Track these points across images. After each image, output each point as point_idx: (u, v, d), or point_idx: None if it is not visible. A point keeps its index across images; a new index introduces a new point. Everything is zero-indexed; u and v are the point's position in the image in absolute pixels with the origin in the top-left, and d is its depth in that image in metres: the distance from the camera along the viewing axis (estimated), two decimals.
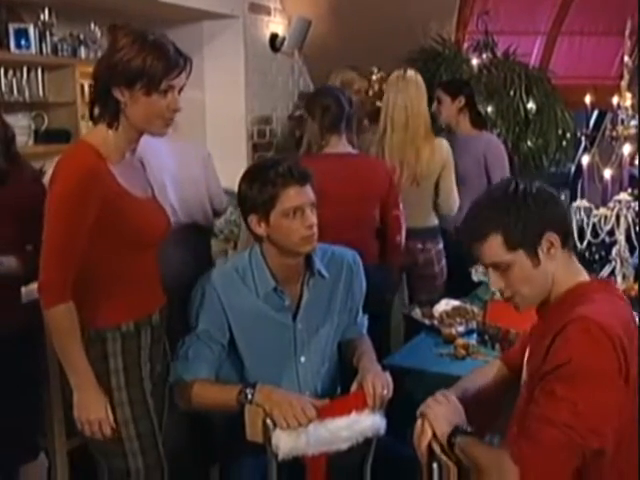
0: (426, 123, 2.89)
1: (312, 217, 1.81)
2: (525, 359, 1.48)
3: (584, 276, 1.44)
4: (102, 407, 1.60)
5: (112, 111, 1.59)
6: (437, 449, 1.39)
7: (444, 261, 3.02)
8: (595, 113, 3.91)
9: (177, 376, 1.80)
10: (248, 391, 1.68)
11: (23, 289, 2.10)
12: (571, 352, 1.24)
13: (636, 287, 2.68)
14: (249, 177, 1.84)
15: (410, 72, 2.91)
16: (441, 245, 3.01)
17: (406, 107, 2.85)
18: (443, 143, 2.94)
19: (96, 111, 1.62)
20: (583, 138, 4.09)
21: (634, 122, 3.47)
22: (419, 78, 2.91)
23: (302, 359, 1.90)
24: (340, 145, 2.60)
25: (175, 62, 1.57)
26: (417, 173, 2.86)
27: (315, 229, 1.81)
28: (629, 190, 2.82)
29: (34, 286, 1.66)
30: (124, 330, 1.64)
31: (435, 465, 1.36)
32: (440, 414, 1.43)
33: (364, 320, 2.07)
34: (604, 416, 1.24)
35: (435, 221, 3.03)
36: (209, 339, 1.82)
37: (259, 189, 1.79)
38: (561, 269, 1.39)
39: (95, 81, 1.62)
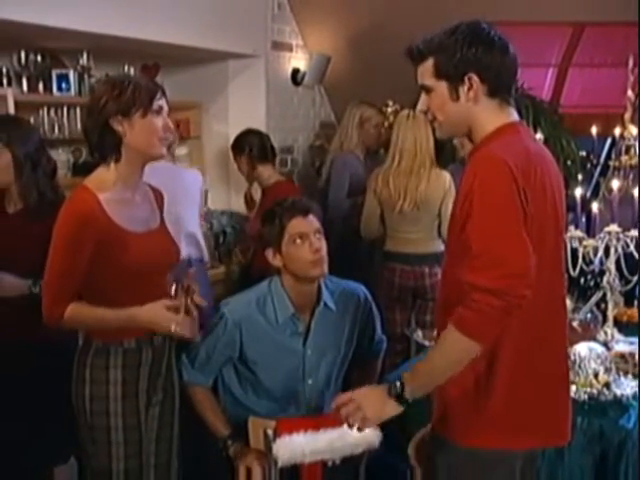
0: (431, 157, 3.21)
1: (317, 242, 2.02)
2: None
3: (511, 119, 1.53)
4: (163, 313, 1.71)
5: (113, 145, 1.74)
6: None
7: None
8: (609, 141, 4.02)
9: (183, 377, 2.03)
10: (229, 443, 1.98)
11: None
12: (474, 181, 1.38)
13: (629, 312, 2.82)
14: (262, 219, 2.12)
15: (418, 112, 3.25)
16: None
17: (415, 141, 3.19)
18: (444, 174, 3.23)
19: (97, 156, 1.78)
20: (596, 168, 4.20)
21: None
22: (426, 118, 3.23)
23: (309, 382, 2.08)
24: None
25: (153, 84, 1.80)
26: (417, 199, 3.19)
27: (322, 253, 2.02)
28: None
29: None
30: (126, 346, 1.82)
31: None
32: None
33: (379, 346, 2.30)
34: (522, 252, 1.35)
35: (441, 247, 3.23)
36: (213, 353, 2.04)
37: (270, 225, 2.04)
38: (485, 114, 1.51)
39: (89, 125, 1.76)
